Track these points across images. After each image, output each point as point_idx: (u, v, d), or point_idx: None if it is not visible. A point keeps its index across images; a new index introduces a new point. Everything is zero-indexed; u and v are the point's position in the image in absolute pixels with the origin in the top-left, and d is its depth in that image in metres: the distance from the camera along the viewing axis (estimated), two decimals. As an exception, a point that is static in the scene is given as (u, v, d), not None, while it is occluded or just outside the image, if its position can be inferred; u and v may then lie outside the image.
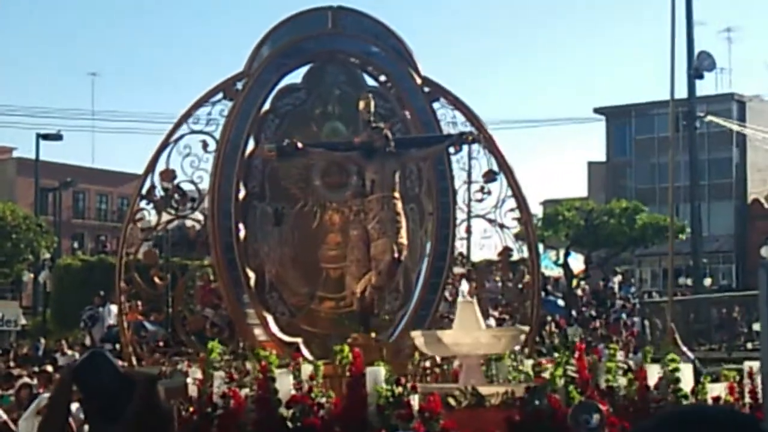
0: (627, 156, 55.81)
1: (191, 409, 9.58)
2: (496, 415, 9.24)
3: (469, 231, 13.33)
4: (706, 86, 38.83)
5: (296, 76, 12.91)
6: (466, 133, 12.32)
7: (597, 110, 57.51)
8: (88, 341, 23.77)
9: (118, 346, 15.62)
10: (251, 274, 12.32)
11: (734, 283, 46.35)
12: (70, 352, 23.81)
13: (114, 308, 23.97)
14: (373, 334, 11.27)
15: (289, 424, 9.41)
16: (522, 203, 13.29)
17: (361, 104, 11.78)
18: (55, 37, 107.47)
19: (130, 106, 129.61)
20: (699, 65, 33.56)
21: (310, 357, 11.41)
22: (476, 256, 14.82)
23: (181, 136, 12.30)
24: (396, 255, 11.03)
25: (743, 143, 51.33)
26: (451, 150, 12.62)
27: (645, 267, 49.64)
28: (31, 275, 42.11)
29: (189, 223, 12.96)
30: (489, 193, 13.11)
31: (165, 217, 12.64)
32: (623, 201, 45.60)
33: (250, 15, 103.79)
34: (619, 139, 56.16)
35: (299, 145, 11.49)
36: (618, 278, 40.60)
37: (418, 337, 10.89)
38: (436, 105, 13.11)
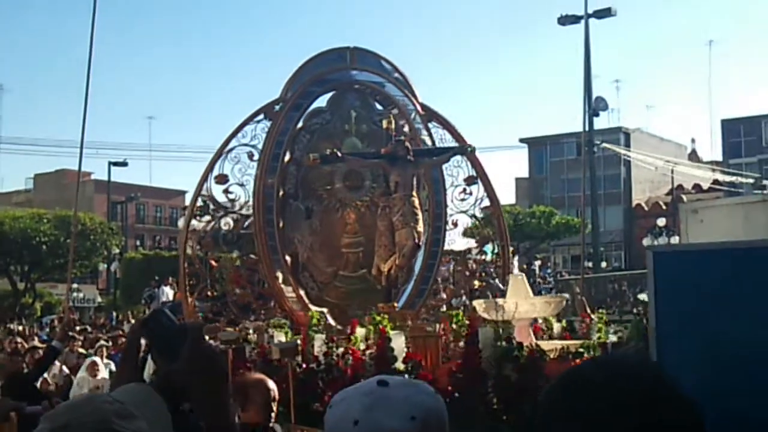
0: (544, 173, 55.25)
1: (303, 365, 8.39)
2: (556, 365, 8.03)
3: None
4: (601, 122, 38.89)
5: (322, 101, 11.86)
6: (464, 147, 11.35)
7: (522, 140, 56.83)
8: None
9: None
10: (288, 258, 11.26)
11: (623, 265, 45.89)
12: (133, 321, 23.80)
13: (166, 289, 23.26)
14: (395, 304, 10.19)
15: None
16: (495, 202, 12.38)
17: (385, 123, 10.83)
18: (119, 87, 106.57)
19: (177, 141, 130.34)
20: (596, 107, 33.41)
21: (333, 323, 10.41)
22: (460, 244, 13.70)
23: (232, 148, 11.15)
24: (416, 241, 10.02)
25: (629, 164, 50.99)
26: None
27: (558, 254, 49.11)
28: (105, 266, 41.67)
29: (224, 223, 11.97)
30: (470, 194, 12.14)
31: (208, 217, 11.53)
32: (542, 206, 45.42)
33: (279, 56, 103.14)
34: (538, 161, 55.65)
35: (339, 154, 10.52)
36: (538, 263, 39.86)
37: (480, 304, 9.49)
38: (430, 125, 12.07)
